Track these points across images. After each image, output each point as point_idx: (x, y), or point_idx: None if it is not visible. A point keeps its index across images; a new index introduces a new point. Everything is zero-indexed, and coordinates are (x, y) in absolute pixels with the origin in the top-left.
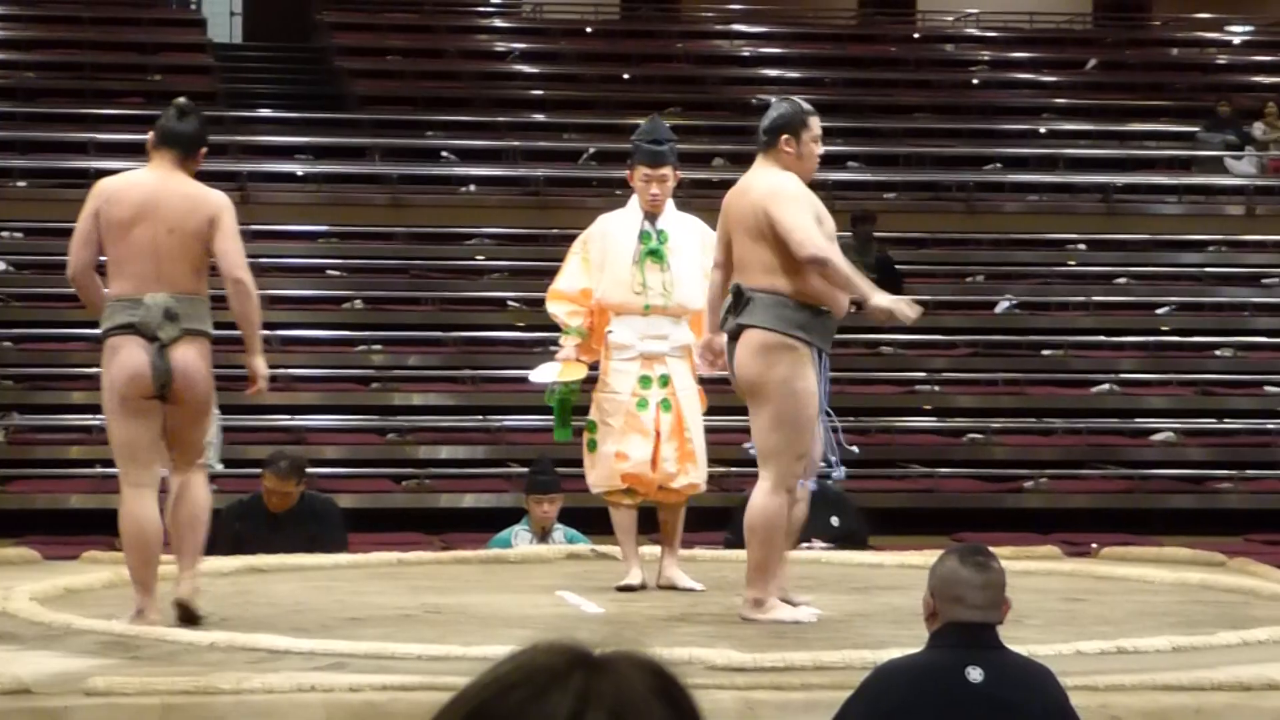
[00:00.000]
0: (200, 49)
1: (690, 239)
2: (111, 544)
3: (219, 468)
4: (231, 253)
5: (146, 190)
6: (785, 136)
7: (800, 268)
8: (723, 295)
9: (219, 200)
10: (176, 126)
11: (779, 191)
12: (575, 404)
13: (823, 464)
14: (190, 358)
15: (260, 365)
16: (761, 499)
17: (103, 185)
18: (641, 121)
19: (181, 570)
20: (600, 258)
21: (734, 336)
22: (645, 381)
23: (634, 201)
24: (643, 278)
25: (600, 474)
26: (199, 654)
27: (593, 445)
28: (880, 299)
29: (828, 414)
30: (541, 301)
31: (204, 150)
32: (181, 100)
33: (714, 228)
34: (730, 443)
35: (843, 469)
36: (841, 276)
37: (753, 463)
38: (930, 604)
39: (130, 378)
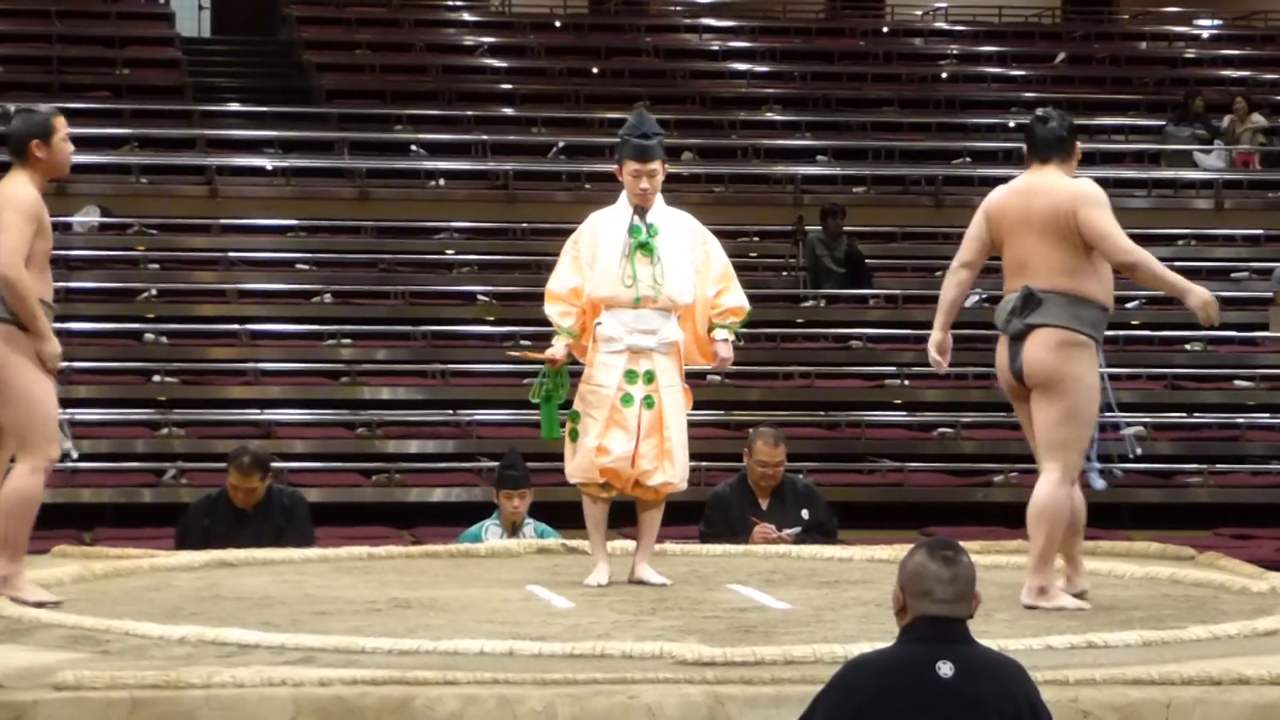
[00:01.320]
0: (168, 43)
1: (680, 233)
2: (80, 538)
3: (74, 454)
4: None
5: None
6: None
7: (1094, 268)
8: (964, 294)
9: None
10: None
11: (1090, 196)
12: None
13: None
14: None
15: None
16: (1048, 489)
17: None
18: (613, 115)
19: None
20: (590, 254)
21: (1018, 336)
22: (631, 376)
23: (623, 197)
24: (633, 271)
25: (579, 465)
26: (168, 648)
27: (574, 435)
28: (1197, 294)
29: (1109, 408)
30: (511, 295)
31: (35, 143)
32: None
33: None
34: (704, 437)
35: (1099, 477)
36: (1154, 274)
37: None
38: (900, 598)
39: None
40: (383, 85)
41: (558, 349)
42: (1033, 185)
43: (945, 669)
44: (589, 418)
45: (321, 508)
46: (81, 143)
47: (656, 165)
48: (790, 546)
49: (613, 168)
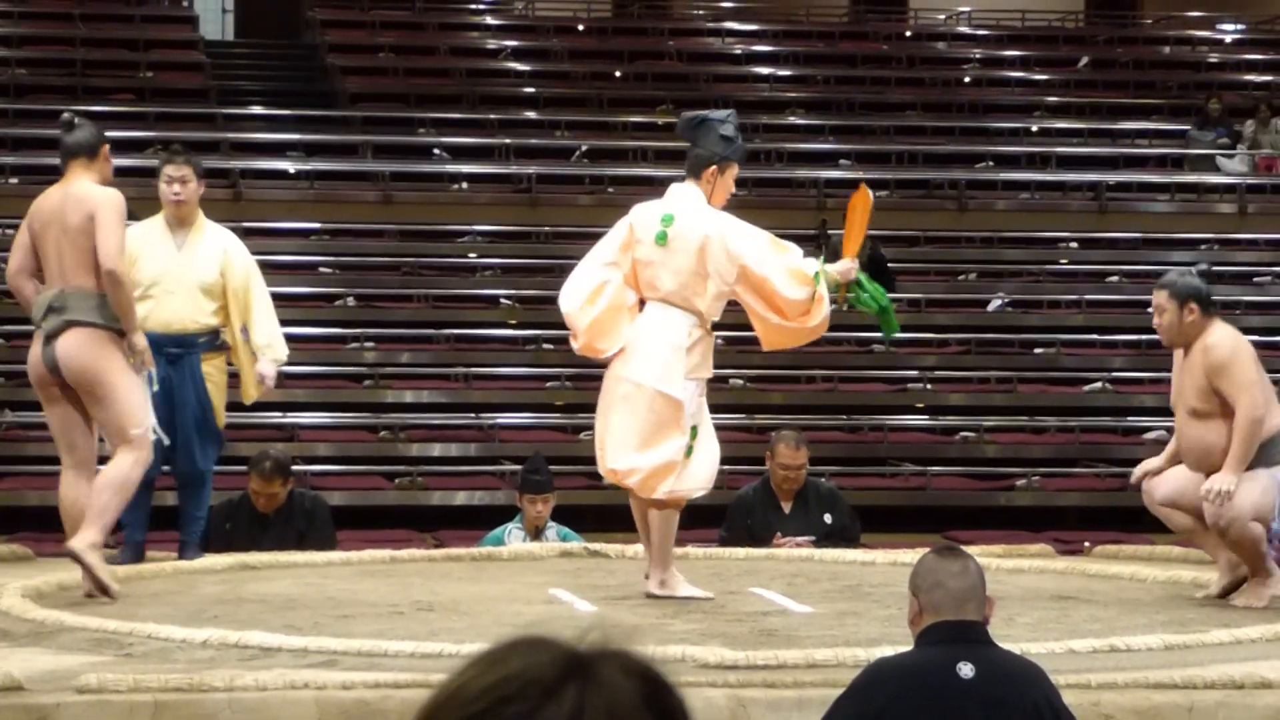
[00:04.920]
0: (191, 46)
1: None
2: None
3: (165, 440)
4: (104, 244)
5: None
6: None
7: None
8: None
9: (100, 195)
10: (69, 139)
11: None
12: None
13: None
14: (70, 346)
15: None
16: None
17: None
18: (635, 119)
19: (84, 526)
20: None
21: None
22: None
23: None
24: None
25: (710, 476)
26: (191, 651)
27: (690, 451)
28: None
29: None
30: (533, 299)
31: (105, 148)
32: (65, 116)
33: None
34: (727, 440)
35: None
36: None
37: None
38: (914, 605)
39: (29, 370)
40: (406, 88)
41: (838, 266)
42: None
43: (966, 670)
44: (707, 422)
45: (344, 511)
46: None
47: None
48: (812, 550)
49: (643, 171)
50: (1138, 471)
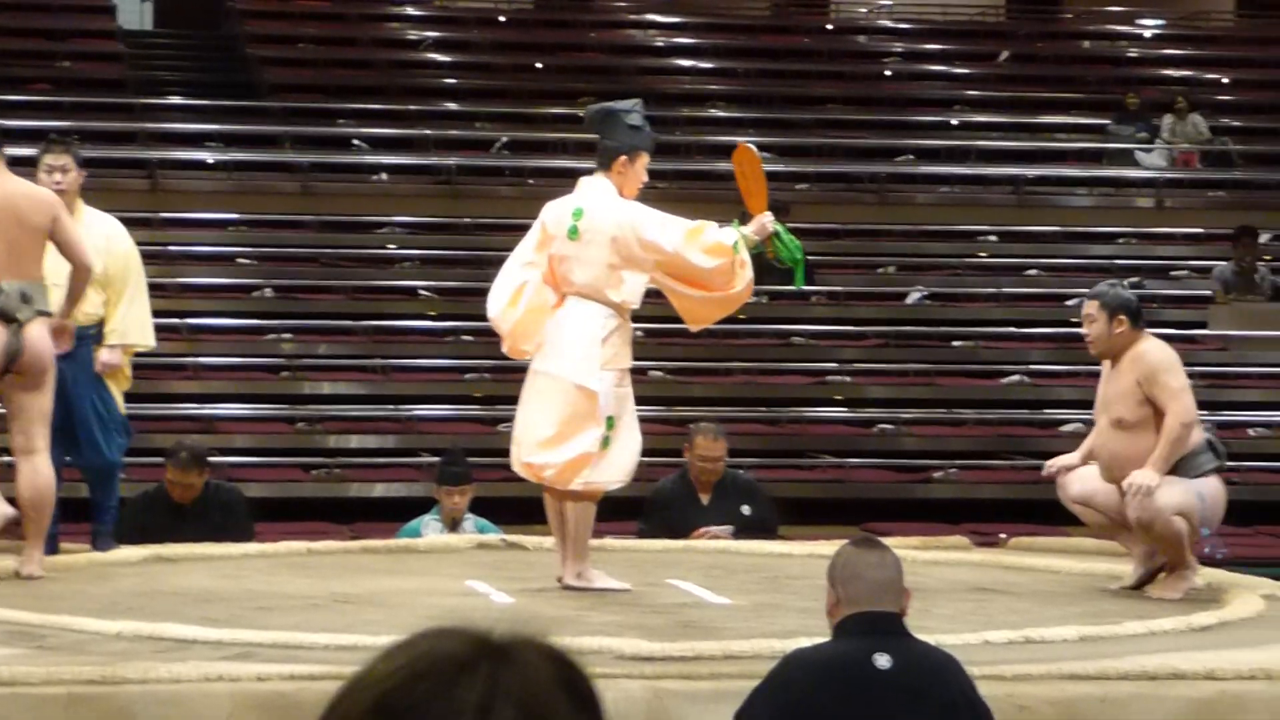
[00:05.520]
0: (110, 36)
1: None
2: (17, 534)
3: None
4: (80, 244)
5: None
6: None
7: None
8: None
9: (55, 198)
10: None
11: None
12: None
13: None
14: (40, 334)
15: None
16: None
17: None
18: (557, 111)
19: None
20: None
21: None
22: None
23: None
24: None
25: (629, 467)
26: (105, 643)
27: (606, 442)
28: None
29: None
30: (453, 291)
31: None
32: None
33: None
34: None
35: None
36: None
37: None
38: (832, 596)
39: None
40: (327, 80)
41: (753, 226)
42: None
43: (883, 661)
44: (629, 414)
45: (261, 503)
46: (21, 136)
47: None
48: (731, 542)
49: (564, 163)
50: (1051, 465)
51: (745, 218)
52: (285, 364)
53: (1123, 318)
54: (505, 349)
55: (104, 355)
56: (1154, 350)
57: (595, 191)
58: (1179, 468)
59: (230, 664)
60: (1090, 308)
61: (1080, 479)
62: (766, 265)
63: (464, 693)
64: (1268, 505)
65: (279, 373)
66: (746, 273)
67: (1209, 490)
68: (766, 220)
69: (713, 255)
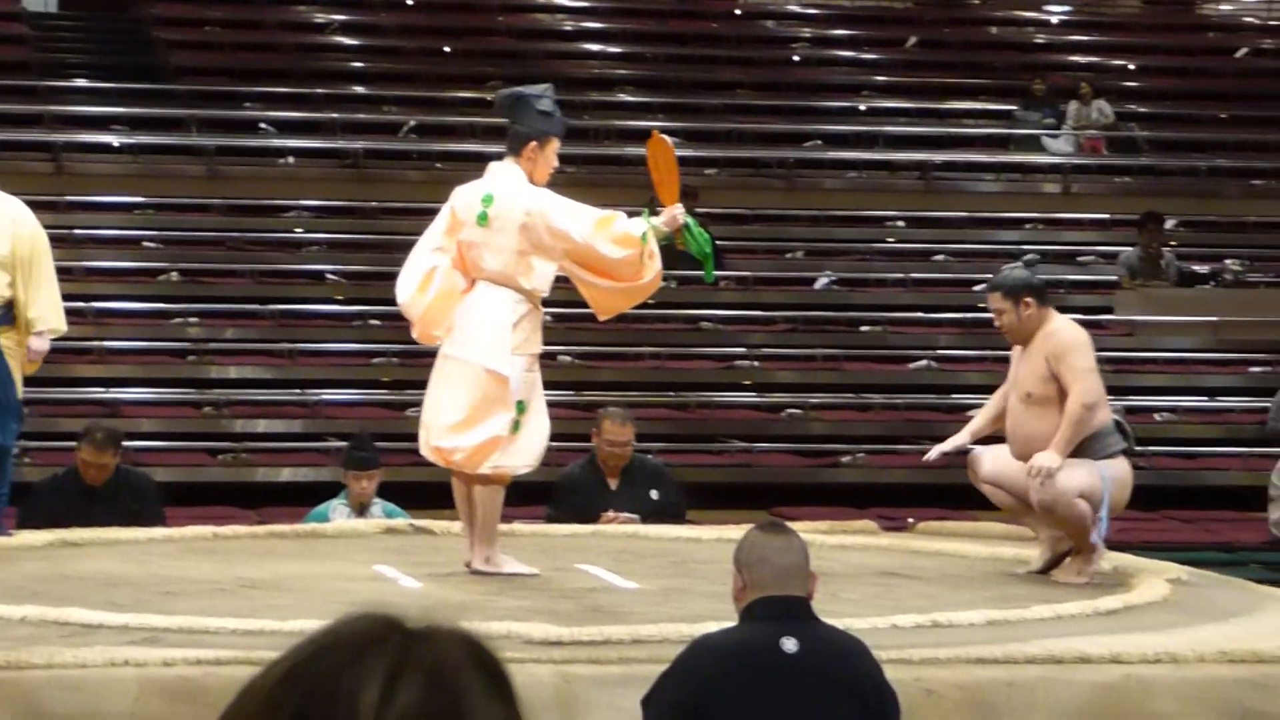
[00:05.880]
0: (15, 18)
1: None
2: None
3: None
4: None
5: None
6: None
7: None
8: None
9: None
10: None
11: None
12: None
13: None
14: None
15: None
16: None
17: None
18: (465, 95)
19: None
20: None
21: None
22: None
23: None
24: None
25: (538, 452)
26: (9, 628)
27: (516, 427)
28: None
29: None
30: (360, 275)
31: None
32: None
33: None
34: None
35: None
36: None
37: None
38: (738, 580)
39: None
40: (233, 63)
41: (663, 217)
42: None
43: (789, 645)
44: (539, 399)
45: (168, 487)
46: None
47: None
48: (639, 526)
49: (472, 147)
50: (933, 453)
51: (654, 203)
52: (191, 348)
53: (1028, 299)
54: (415, 335)
55: (34, 344)
56: (1064, 329)
57: (505, 177)
58: (1086, 449)
59: (136, 649)
60: (994, 300)
61: (992, 457)
62: (681, 253)
63: (373, 662)
64: (1173, 490)
65: (185, 357)
66: (655, 264)
67: (1115, 472)
68: (677, 211)
69: (621, 245)
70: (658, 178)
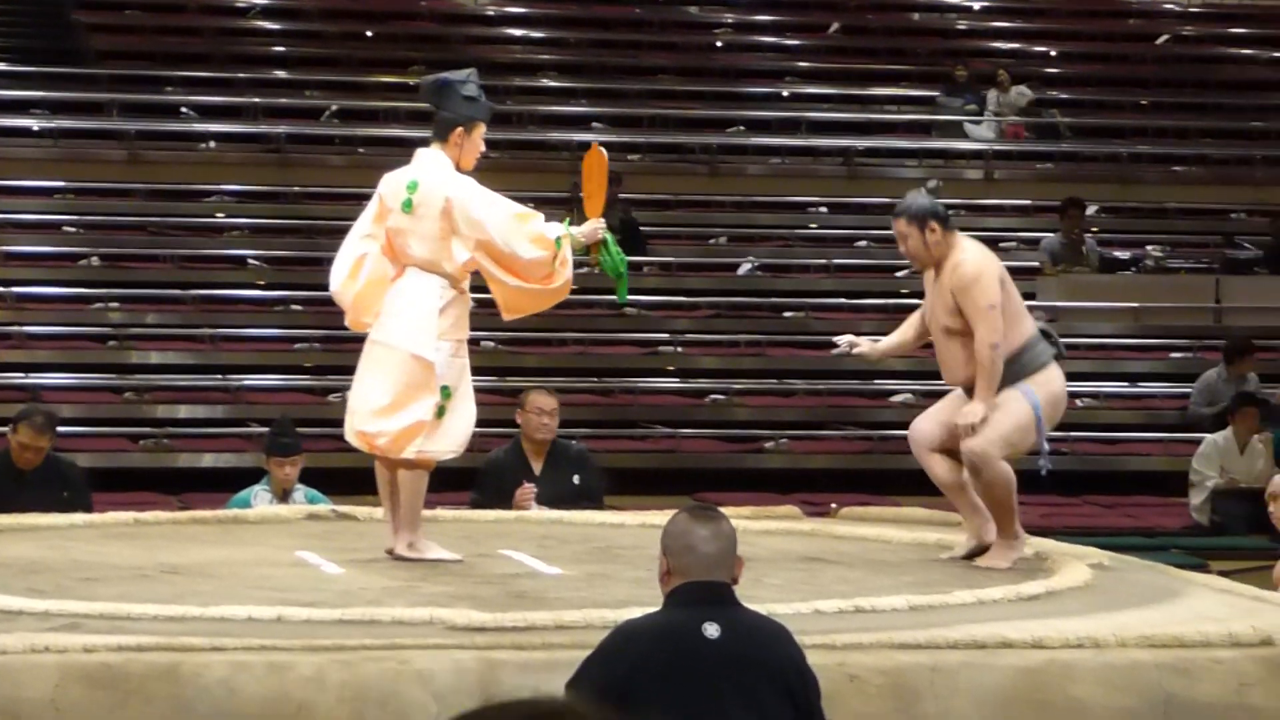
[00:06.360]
0: None
1: None
2: None
3: None
4: None
5: None
6: None
7: None
8: None
9: None
10: None
11: None
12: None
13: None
14: None
15: None
16: None
17: None
18: (387, 79)
19: None
20: None
21: None
22: None
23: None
24: None
25: (462, 438)
26: None
27: (441, 412)
28: None
29: None
30: (282, 260)
31: None
32: None
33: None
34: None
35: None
36: None
37: None
38: (664, 564)
39: None
40: (154, 46)
41: (584, 228)
42: None
43: (712, 630)
44: (465, 385)
45: (90, 473)
46: None
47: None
48: (563, 512)
49: (394, 132)
50: (842, 340)
51: (578, 207)
52: (112, 333)
53: (933, 225)
54: (347, 322)
55: None
56: (966, 263)
57: (430, 164)
58: (1016, 365)
59: (57, 635)
60: (899, 225)
61: (927, 416)
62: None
63: None
64: (1095, 475)
65: (106, 342)
66: (566, 271)
67: (1045, 390)
68: (599, 226)
69: (535, 245)
70: (587, 189)
